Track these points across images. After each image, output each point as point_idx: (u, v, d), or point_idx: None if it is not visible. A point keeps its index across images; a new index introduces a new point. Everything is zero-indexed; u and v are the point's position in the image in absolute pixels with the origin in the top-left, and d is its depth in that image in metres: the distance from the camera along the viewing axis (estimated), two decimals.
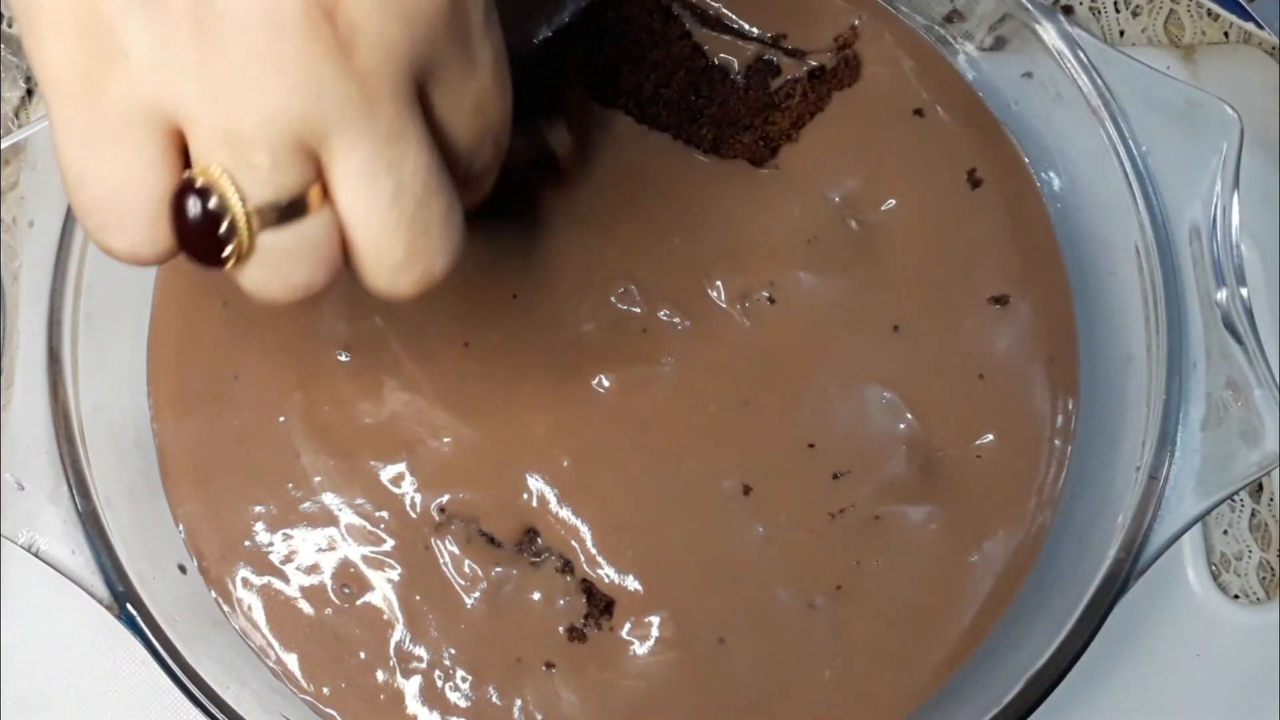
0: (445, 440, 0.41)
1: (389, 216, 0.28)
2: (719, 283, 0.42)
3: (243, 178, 0.26)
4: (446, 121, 0.29)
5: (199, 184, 0.26)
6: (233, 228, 0.27)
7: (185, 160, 0.27)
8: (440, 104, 0.29)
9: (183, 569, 0.41)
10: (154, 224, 0.27)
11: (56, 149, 0.27)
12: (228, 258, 0.27)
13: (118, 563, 0.39)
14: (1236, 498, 0.47)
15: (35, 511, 0.39)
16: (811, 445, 0.41)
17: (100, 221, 0.27)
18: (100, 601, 0.39)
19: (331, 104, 0.26)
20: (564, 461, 0.40)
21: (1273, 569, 0.47)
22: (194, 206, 0.27)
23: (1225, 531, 0.47)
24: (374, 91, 0.26)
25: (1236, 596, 0.46)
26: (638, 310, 0.41)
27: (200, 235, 0.27)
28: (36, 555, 0.39)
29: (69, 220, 0.41)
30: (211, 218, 0.27)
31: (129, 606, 0.39)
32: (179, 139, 0.27)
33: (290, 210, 0.27)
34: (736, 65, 0.43)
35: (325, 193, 0.27)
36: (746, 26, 0.44)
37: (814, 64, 0.43)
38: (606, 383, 0.41)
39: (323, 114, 0.26)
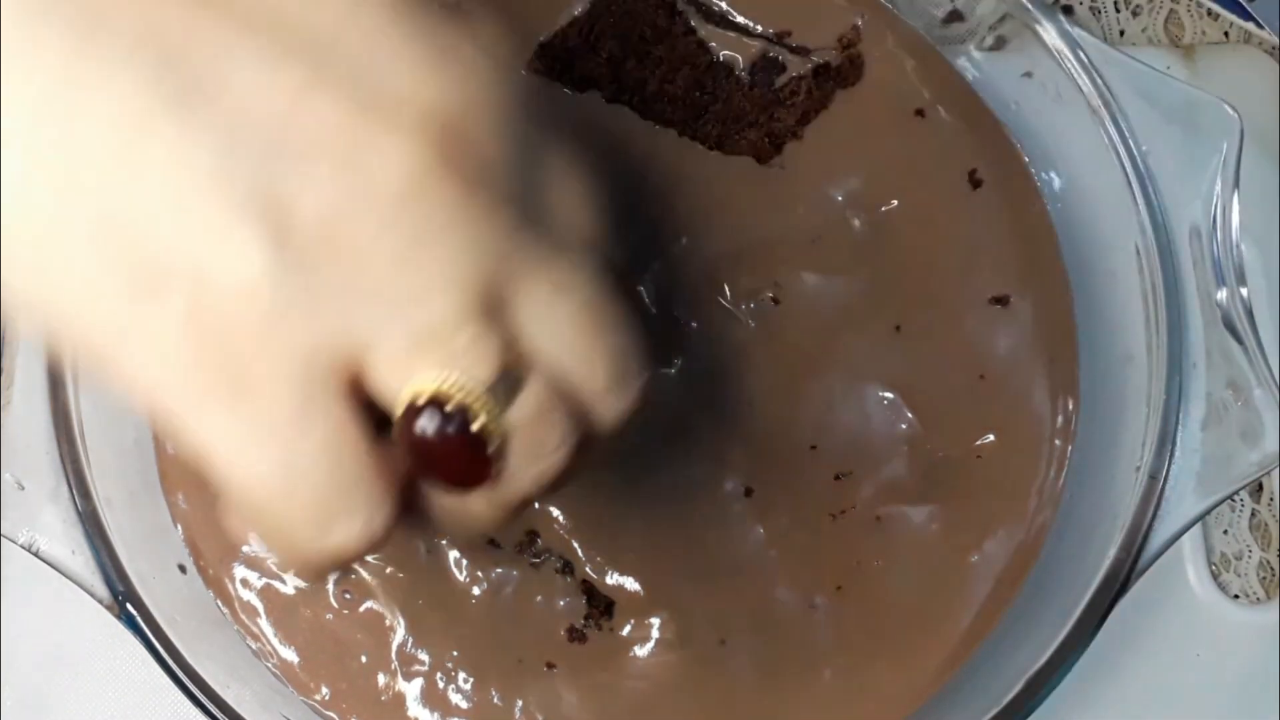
0: None
1: (590, 330, 0.25)
2: (725, 283, 0.42)
3: (458, 369, 0.23)
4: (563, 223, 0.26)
5: (422, 401, 0.23)
6: (483, 425, 0.23)
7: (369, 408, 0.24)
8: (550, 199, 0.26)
9: (183, 569, 0.41)
10: (380, 482, 0.23)
11: (240, 476, 0.23)
12: (494, 458, 0.24)
13: (118, 563, 0.39)
14: (1236, 498, 0.47)
15: (35, 511, 0.39)
16: (814, 447, 0.41)
17: (324, 518, 0.23)
18: (100, 601, 0.39)
19: (496, 242, 0.23)
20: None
21: (1273, 569, 0.47)
22: (430, 423, 0.23)
23: (1225, 531, 0.47)
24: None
25: (1236, 596, 0.46)
26: (647, 312, 0.41)
27: (459, 448, 0.23)
28: (36, 555, 0.39)
29: None
30: (460, 423, 0.23)
31: (129, 606, 0.39)
32: (357, 382, 0.23)
33: (513, 379, 0.24)
34: (741, 62, 0.43)
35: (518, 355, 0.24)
36: (750, 23, 0.44)
37: (818, 61, 0.43)
38: None
39: (494, 257, 0.23)
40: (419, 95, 0.22)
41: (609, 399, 0.26)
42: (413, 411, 0.23)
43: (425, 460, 0.23)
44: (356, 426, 0.23)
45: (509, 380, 0.23)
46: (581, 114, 0.43)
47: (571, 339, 0.25)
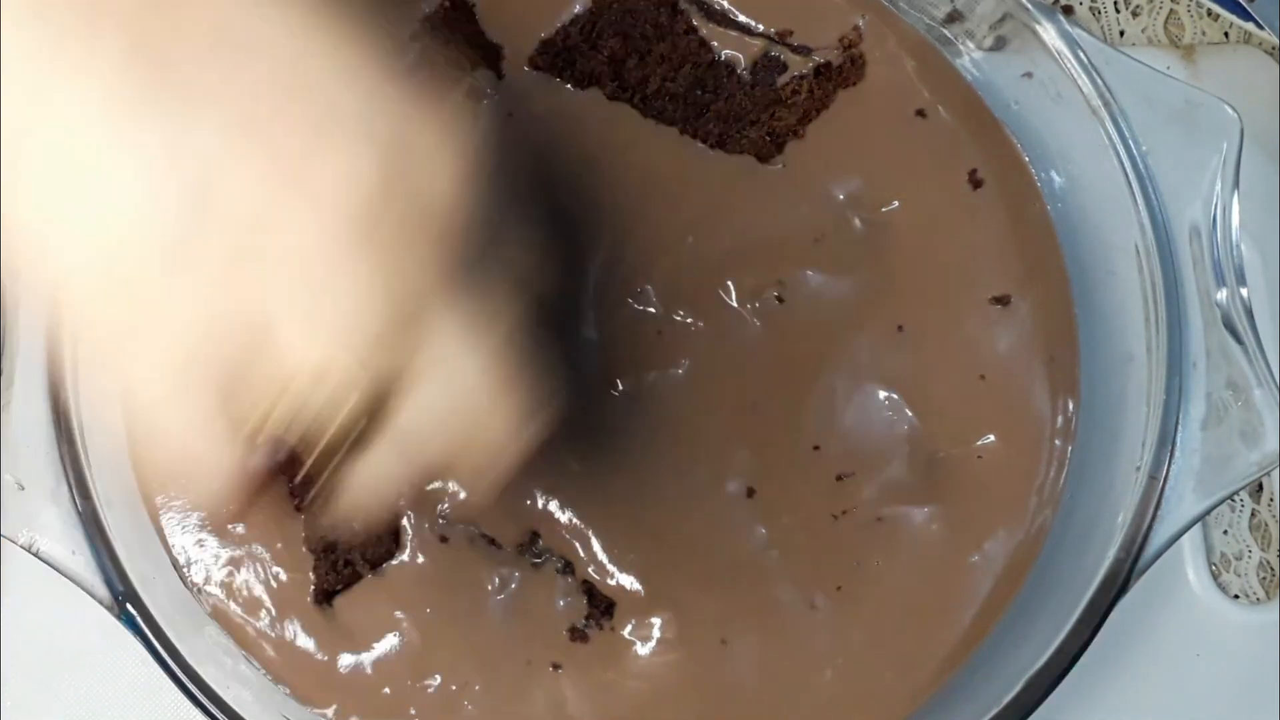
0: None
1: (490, 380, 0.28)
2: (730, 282, 0.42)
3: (314, 402, 0.26)
4: None
5: (268, 428, 0.26)
6: (307, 464, 0.27)
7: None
8: None
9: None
10: (222, 472, 0.27)
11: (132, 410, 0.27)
12: (303, 490, 0.28)
13: (118, 563, 0.39)
14: (1236, 498, 0.47)
15: (35, 511, 0.39)
16: (816, 448, 0.41)
17: (175, 474, 0.29)
18: (100, 601, 0.39)
19: (416, 283, 0.26)
20: (573, 466, 0.40)
21: (1273, 569, 0.47)
22: (262, 449, 0.26)
23: (1225, 531, 0.47)
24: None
25: (1236, 596, 0.46)
26: (654, 311, 0.41)
27: (275, 474, 0.27)
28: (36, 555, 0.39)
29: None
30: (286, 454, 0.27)
31: (129, 606, 0.39)
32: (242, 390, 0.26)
33: (361, 423, 0.27)
34: (743, 61, 0.43)
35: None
36: (752, 23, 0.44)
37: (819, 61, 0.43)
38: (622, 386, 0.41)
39: (408, 300, 0.26)
40: (384, 133, 0.25)
41: (478, 476, 0.30)
42: (254, 434, 0.26)
43: (253, 476, 0.27)
44: (215, 422, 0.26)
45: (355, 423, 0.26)
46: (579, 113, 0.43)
47: (454, 402, 0.27)
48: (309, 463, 0.27)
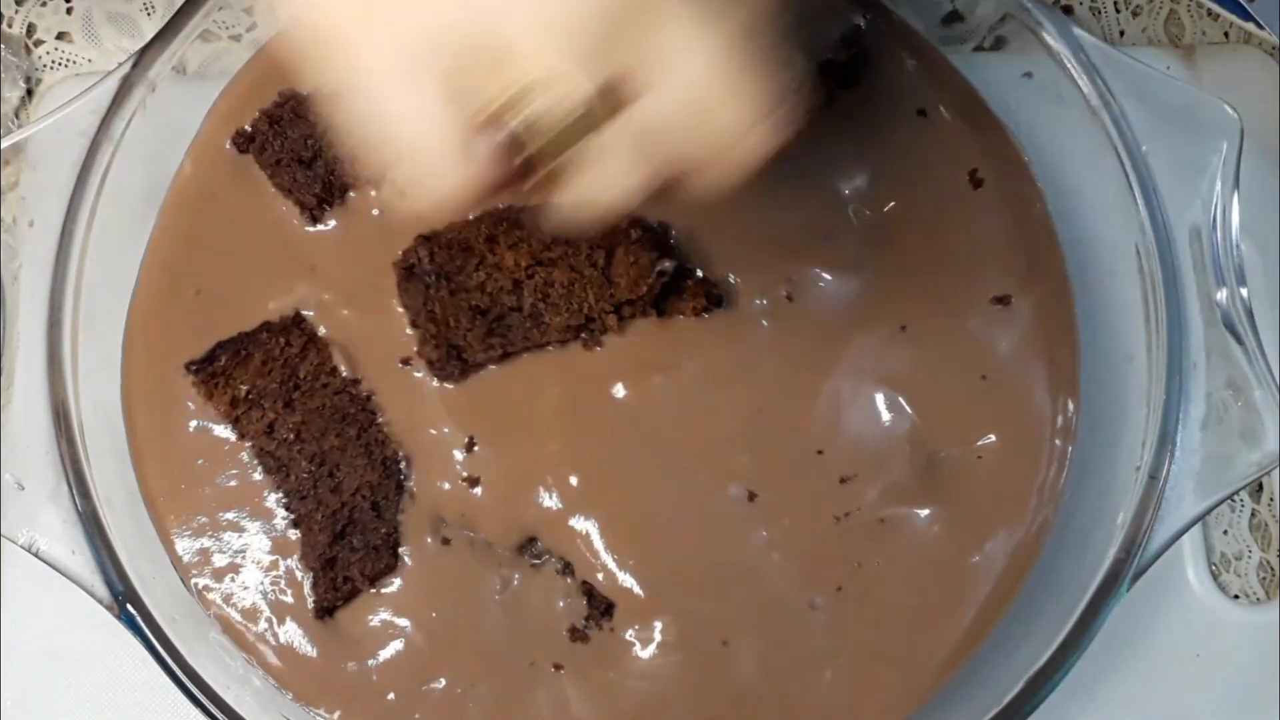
0: (455, 453, 0.41)
1: (727, 69, 0.27)
2: (739, 280, 0.42)
3: (541, 96, 0.26)
4: None
5: (491, 110, 0.26)
6: (533, 152, 0.27)
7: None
8: None
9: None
10: (458, 162, 0.27)
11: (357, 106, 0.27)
12: (538, 179, 0.27)
13: (118, 563, 0.39)
14: (1236, 498, 0.47)
15: (35, 511, 0.39)
16: (820, 451, 0.41)
17: (408, 171, 0.27)
18: (100, 601, 0.39)
19: None
20: (572, 479, 0.40)
21: (1273, 569, 0.47)
22: (490, 138, 0.26)
23: (1225, 531, 0.47)
24: None
25: (1236, 596, 0.46)
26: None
27: (501, 161, 0.27)
28: (36, 555, 0.39)
29: (69, 220, 0.41)
30: (512, 143, 0.27)
31: (129, 606, 0.39)
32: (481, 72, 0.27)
33: (591, 120, 0.27)
34: None
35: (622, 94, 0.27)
36: None
37: (821, 60, 0.43)
38: (624, 391, 0.41)
39: None
40: None
41: (731, 147, 0.28)
42: (483, 123, 0.27)
43: (484, 163, 0.27)
44: (443, 110, 0.27)
45: (590, 116, 0.27)
46: None
47: (701, 73, 0.27)
48: (535, 149, 0.27)
